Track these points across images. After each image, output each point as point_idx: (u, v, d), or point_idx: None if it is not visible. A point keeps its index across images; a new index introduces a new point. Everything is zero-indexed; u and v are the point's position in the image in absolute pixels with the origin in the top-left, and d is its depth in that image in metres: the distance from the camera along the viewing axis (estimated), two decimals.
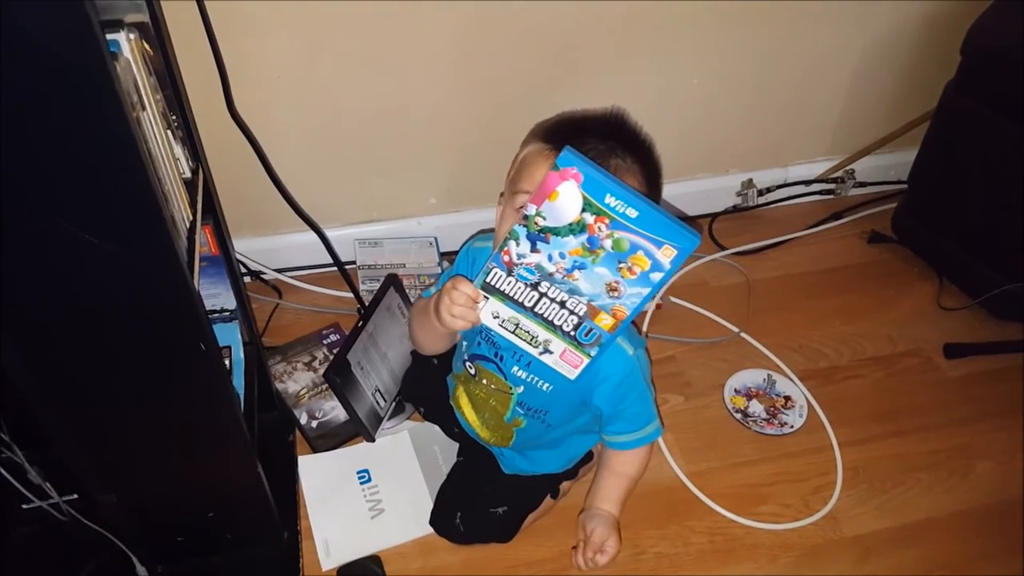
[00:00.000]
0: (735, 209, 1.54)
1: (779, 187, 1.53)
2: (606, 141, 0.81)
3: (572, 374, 0.82)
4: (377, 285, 1.22)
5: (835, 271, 1.44)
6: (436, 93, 1.23)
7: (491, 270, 0.78)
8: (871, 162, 1.55)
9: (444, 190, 1.37)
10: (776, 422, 1.18)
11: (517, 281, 0.77)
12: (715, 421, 1.18)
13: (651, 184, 0.84)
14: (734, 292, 1.39)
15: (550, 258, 0.75)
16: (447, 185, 1.37)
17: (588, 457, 1.06)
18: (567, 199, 0.71)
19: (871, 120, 1.49)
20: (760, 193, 1.52)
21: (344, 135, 1.25)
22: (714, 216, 1.53)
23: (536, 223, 0.73)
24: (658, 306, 1.34)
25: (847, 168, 1.54)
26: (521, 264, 0.76)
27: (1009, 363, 1.26)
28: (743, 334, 1.31)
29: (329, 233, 1.29)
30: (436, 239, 1.39)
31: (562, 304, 0.77)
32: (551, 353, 0.81)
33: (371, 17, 1.11)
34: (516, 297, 0.78)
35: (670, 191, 1.46)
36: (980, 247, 1.32)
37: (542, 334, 0.80)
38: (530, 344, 0.81)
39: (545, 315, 0.79)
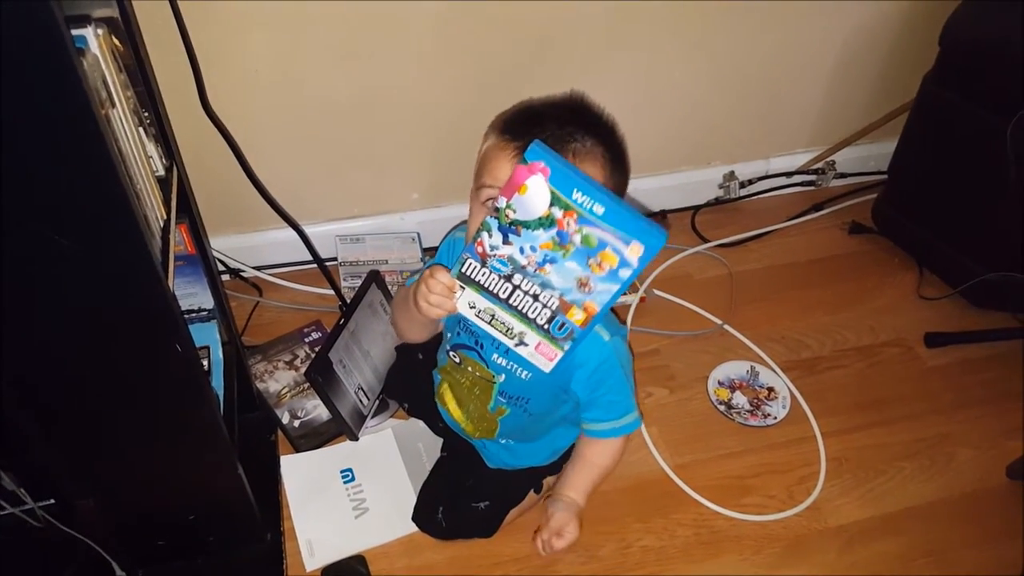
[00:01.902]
0: (717, 201, 1.54)
1: (761, 179, 1.53)
2: (564, 126, 0.80)
3: (547, 367, 0.83)
4: (359, 282, 1.20)
5: (817, 262, 1.45)
6: (418, 88, 1.22)
7: (466, 260, 0.78)
8: (851, 153, 1.55)
9: (426, 185, 1.36)
10: (759, 413, 1.18)
11: (491, 272, 0.78)
12: (699, 413, 1.19)
13: (615, 166, 0.83)
14: (717, 284, 1.40)
15: (522, 251, 0.75)
16: (429, 180, 1.35)
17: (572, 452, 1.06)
18: (535, 193, 0.71)
19: (851, 112, 1.50)
20: (742, 185, 1.52)
21: (324, 130, 1.23)
22: (696, 208, 1.53)
23: (507, 215, 0.73)
24: (642, 299, 1.34)
25: (828, 159, 1.55)
26: (494, 256, 0.77)
27: (989, 351, 1.27)
28: (726, 326, 1.31)
29: (310, 230, 1.27)
30: (419, 234, 1.38)
31: (535, 297, 0.78)
32: (526, 345, 0.81)
33: (352, 9, 1.10)
34: (490, 288, 0.79)
35: (653, 184, 1.48)
36: (959, 237, 1.33)
37: (517, 326, 0.80)
38: (506, 335, 0.81)
39: (519, 307, 0.79)
